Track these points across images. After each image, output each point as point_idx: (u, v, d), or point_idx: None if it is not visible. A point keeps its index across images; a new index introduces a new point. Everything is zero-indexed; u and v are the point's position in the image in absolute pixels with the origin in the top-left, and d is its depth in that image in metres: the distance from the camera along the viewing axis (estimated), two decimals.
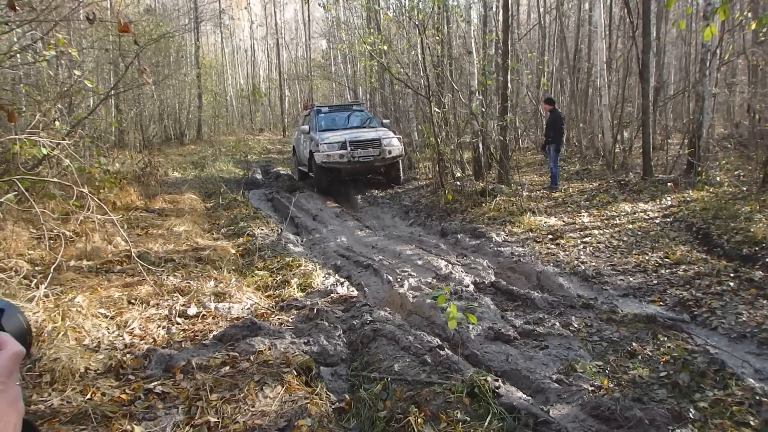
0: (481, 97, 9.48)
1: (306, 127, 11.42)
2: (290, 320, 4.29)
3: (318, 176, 10.38)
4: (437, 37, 9.26)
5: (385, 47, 8.94)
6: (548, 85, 12.79)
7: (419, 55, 8.86)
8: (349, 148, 9.86)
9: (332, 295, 4.72)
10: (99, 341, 3.89)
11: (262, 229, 7.57)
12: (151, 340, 4.02)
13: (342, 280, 5.35)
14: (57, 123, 8.55)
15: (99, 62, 14.83)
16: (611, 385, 3.15)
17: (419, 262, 5.67)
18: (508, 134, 9.05)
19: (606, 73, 11.54)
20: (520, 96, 13.19)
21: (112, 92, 8.47)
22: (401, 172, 10.82)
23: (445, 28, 9.68)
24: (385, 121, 11.79)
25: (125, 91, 12.35)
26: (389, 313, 4.17)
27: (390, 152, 10.03)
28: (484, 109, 9.24)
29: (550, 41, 15.11)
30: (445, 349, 3.42)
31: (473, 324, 3.79)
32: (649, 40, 9.22)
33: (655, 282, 4.86)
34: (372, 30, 11.83)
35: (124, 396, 3.16)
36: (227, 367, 3.45)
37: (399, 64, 10.19)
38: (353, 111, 11.95)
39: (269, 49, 30.87)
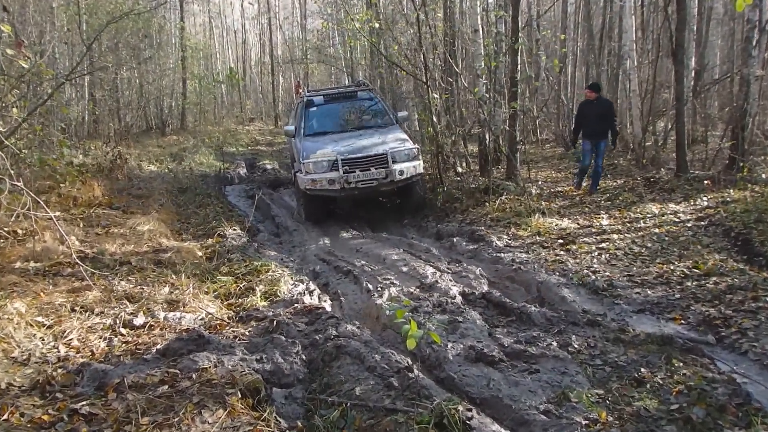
0: (486, 81, 9.28)
1: (291, 128, 9.27)
2: (246, 333, 4.20)
3: (303, 205, 8.35)
4: (438, 14, 9.08)
5: (377, 25, 8.69)
6: (561, 67, 12.52)
7: (416, 34, 8.63)
8: (341, 170, 7.63)
9: (296, 305, 4.61)
10: (30, 353, 3.83)
11: (235, 229, 7.51)
12: (89, 353, 3.95)
13: (312, 288, 5.27)
14: (15, 110, 8.57)
15: (71, 44, 14.94)
16: (610, 419, 2.98)
17: (404, 269, 5.58)
18: (517, 124, 8.84)
19: (636, 55, 11.28)
20: (539, 80, 12.97)
21: (70, 77, 8.43)
22: (424, 194, 8.55)
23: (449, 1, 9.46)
24: (401, 114, 9.36)
25: (82, 76, 12.27)
26: (358, 328, 4.04)
27: (402, 173, 7.76)
28: (489, 96, 9.02)
29: (575, 18, 14.86)
30: (415, 371, 3.27)
31: (452, 343, 3.64)
32: (685, 15, 8.94)
33: (677, 296, 4.66)
34: (366, 5, 11.56)
35: (45, 417, 3.09)
36: (165, 386, 3.35)
37: (397, 44, 10.02)
38: (357, 99, 9.55)
39: (262, 30, 30.96)
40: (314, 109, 9.29)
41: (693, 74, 11.94)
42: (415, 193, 8.34)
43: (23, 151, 8.47)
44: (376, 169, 7.72)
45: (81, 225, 7.24)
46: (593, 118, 8.49)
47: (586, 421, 2.92)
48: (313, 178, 7.76)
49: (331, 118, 9.19)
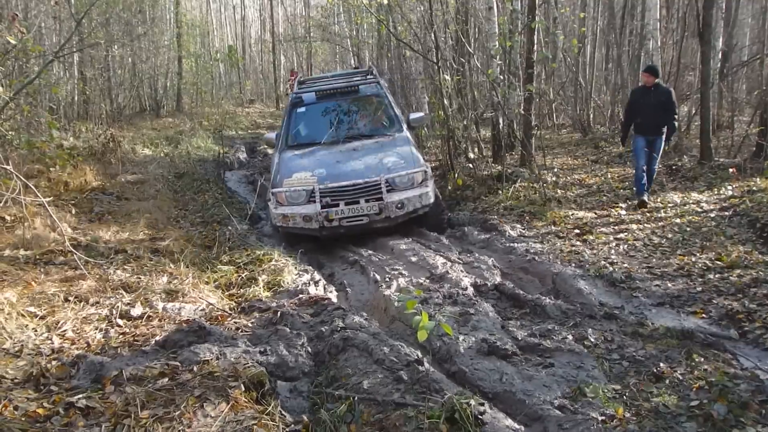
0: (500, 62, 9.26)
1: (272, 135, 7.97)
2: (249, 325, 4.27)
3: (282, 237, 7.01)
4: None
5: (385, 1, 8.63)
6: (580, 47, 12.46)
7: (426, 11, 8.59)
8: (320, 204, 6.26)
9: (301, 296, 4.68)
10: (22, 345, 3.88)
11: (235, 217, 7.57)
12: (85, 345, 4.00)
13: (317, 278, 5.34)
14: (0, 89, 8.60)
15: (60, 19, 14.93)
16: (627, 415, 3.01)
17: (413, 259, 5.64)
18: (533, 107, 8.83)
19: (660, 35, 11.22)
20: (556, 62, 12.90)
21: (59, 54, 8.45)
22: (444, 217, 7.18)
23: None
24: (414, 116, 7.92)
25: (72, 53, 12.24)
26: (365, 320, 4.10)
27: (401, 206, 6.32)
28: (503, 77, 9.00)
29: None
30: (425, 365, 3.32)
31: (463, 335, 3.70)
32: None
33: (699, 289, 4.69)
34: None
35: (40, 410, 3.12)
36: (165, 379, 3.41)
37: (406, 22, 9.99)
38: (358, 95, 8.04)
39: (262, 5, 30.88)
40: (302, 110, 7.92)
41: (720, 55, 11.86)
42: (437, 215, 6.98)
43: (10, 132, 8.54)
44: (366, 201, 6.29)
45: (73, 211, 7.31)
46: (650, 109, 7.43)
47: (603, 417, 2.96)
48: (284, 213, 6.41)
49: (323, 122, 7.73)
